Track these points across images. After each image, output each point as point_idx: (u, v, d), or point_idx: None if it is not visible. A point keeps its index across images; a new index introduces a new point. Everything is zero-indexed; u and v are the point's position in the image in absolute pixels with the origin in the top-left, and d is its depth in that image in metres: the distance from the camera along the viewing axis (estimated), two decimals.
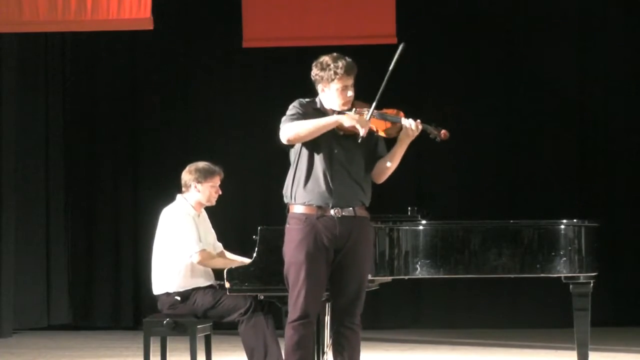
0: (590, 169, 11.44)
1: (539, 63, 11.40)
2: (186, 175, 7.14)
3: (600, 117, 11.50)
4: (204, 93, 11.64)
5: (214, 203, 7.16)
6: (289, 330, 5.62)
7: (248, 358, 6.72)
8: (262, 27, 10.06)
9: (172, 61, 11.72)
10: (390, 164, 5.74)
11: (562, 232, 6.41)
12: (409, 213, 6.50)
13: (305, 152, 5.65)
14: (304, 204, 5.63)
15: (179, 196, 7.16)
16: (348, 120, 5.57)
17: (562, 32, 11.47)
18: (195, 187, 7.09)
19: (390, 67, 5.60)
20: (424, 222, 6.39)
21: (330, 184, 5.60)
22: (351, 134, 5.62)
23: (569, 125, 11.47)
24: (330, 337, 6.30)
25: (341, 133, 5.64)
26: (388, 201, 11.26)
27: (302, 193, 5.64)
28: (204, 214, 7.21)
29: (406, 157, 12.25)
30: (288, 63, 11.36)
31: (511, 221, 6.50)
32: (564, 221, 6.46)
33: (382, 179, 5.80)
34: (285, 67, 11.46)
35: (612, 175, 11.39)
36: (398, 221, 6.36)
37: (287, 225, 5.70)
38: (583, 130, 11.49)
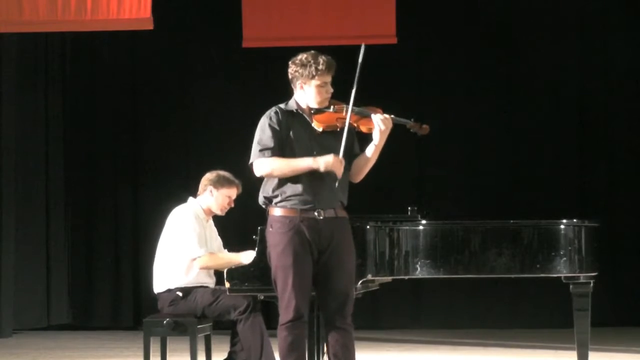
0: (590, 169, 11.44)
1: (539, 63, 11.40)
2: (205, 179, 7.16)
3: (600, 117, 11.49)
4: (204, 93, 11.63)
5: (223, 213, 7.17)
6: (282, 332, 5.59)
7: (245, 356, 6.73)
8: (262, 27, 10.06)
9: (172, 61, 11.71)
10: (369, 161, 5.68)
11: (562, 232, 6.41)
12: (409, 213, 6.49)
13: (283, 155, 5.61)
14: (285, 207, 5.61)
15: (190, 198, 7.17)
16: (323, 166, 5.53)
17: (562, 32, 11.47)
18: (211, 191, 7.10)
19: (358, 69, 5.59)
20: (424, 222, 6.38)
21: (311, 186, 5.58)
22: (330, 130, 5.61)
23: (569, 125, 11.46)
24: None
25: (320, 130, 5.62)
26: (388, 201, 11.34)
27: (283, 196, 5.60)
28: (212, 222, 7.21)
29: (406, 157, 12.23)
30: (288, 63, 11.34)
31: (511, 221, 6.49)
32: (564, 221, 6.45)
33: (359, 177, 5.78)
34: (285, 67, 11.43)
35: (612, 175, 11.39)
36: (398, 221, 6.34)
37: (269, 229, 5.65)
38: (583, 130, 11.49)
